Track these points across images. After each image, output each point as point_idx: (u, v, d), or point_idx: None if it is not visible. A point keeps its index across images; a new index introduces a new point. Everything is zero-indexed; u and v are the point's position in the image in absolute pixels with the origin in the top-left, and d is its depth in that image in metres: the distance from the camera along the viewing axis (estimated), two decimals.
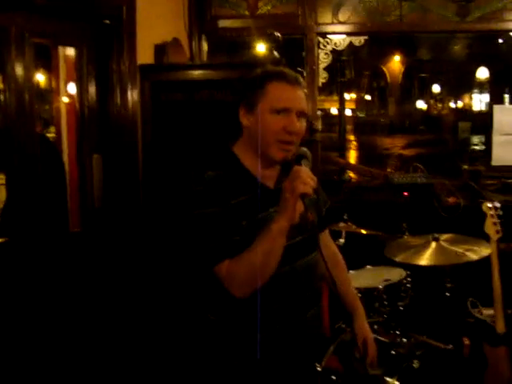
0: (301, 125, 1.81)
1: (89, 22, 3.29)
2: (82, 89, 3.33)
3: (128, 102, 3.36)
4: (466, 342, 3.10)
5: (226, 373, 1.91)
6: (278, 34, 3.17)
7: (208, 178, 1.80)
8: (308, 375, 1.99)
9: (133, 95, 3.37)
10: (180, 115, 3.35)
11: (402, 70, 15.20)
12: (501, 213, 3.01)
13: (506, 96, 11.93)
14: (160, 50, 3.59)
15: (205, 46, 4.47)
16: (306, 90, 1.88)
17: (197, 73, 3.39)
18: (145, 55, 3.48)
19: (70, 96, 3.55)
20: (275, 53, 3.16)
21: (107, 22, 3.31)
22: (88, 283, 3.24)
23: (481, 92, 14.11)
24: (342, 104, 5.63)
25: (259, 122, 1.78)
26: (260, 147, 1.79)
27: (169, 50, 3.63)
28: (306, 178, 1.65)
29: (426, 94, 14.69)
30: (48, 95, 3.71)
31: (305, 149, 1.81)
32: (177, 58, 3.75)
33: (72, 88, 3.44)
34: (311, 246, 1.91)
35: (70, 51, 3.41)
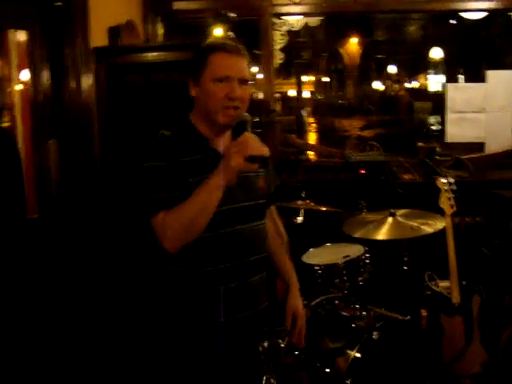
0: (243, 91, 1.90)
1: (39, 3, 3.20)
2: (35, 73, 3.25)
3: (83, 86, 3.31)
4: (424, 313, 3.19)
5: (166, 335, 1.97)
6: (233, 15, 3.16)
7: (161, 135, 1.92)
8: (251, 343, 2.02)
9: (87, 79, 3.32)
10: (136, 97, 3.31)
11: (360, 51, 15.29)
12: (455, 188, 3.09)
13: (461, 76, 12.13)
14: (114, 32, 3.54)
15: (160, 29, 4.43)
16: (248, 59, 1.96)
17: (152, 54, 3.36)
18: (99, 38, 3.43)
19: (23, 82, 3.48)
20: (230, 33, 3.15)
21: (59, 3, 3.24)
22: (47, 268, 3.20)
23: (436, 73, 14.31)
24: (299, 86, 5.66)
25: (204, 92, 1.90)
26: (208, 115, 1.91)
27: (123, 33, 3.58)
28: (254, 142, 1.77)
29: (383, 76, 14.85)
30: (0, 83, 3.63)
31: (247, 114, 1.91)
32: (131, 40, 3.71)
33: (25, 75, 3.37)
34: (258, 214, 2.02)
35: (22, 36, 3.33)
